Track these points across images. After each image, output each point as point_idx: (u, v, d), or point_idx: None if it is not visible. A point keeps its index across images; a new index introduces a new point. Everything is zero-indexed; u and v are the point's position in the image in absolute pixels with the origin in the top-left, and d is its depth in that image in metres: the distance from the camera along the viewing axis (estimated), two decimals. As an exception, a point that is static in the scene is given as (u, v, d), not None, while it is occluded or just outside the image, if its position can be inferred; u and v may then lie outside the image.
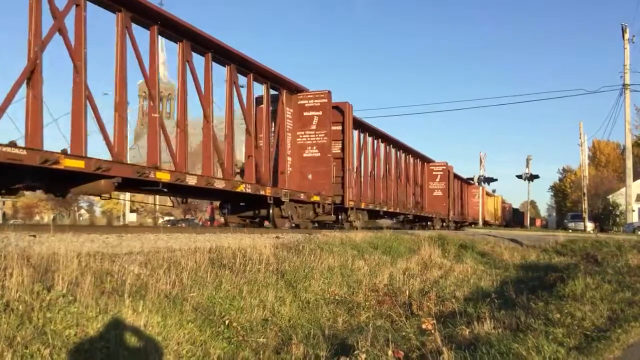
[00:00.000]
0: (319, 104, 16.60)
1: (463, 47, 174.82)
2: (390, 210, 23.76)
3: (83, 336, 4.45)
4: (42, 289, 4.69)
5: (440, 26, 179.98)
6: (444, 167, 33.47)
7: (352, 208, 18.35)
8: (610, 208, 48.39)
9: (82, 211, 73.43)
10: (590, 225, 41.90)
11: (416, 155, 29.72)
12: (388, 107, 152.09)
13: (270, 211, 14.62)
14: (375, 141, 22.70)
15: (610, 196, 51.86)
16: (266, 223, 15.63)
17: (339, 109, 17.69)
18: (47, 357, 4.02)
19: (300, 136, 16.73)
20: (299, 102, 16.66)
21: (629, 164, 34.20)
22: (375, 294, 8.81)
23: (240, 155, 16.80)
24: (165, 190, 11.38)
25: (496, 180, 60.51)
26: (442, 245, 15.25)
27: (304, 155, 16.65)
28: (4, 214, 56.75)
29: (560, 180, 79.39)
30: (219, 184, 12.30)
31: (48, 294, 4.67)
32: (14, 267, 4.71)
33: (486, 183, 58.73)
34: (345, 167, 17.81)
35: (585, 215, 42.96)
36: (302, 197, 15.45)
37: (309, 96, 16.75)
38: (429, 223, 31.50)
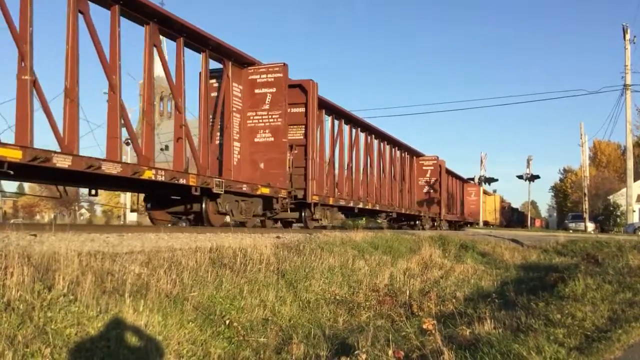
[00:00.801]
0: (272, 78, 14.00)
1: (463, 47, 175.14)
2: (367, 207, 21.01)
3: (84, 335, 4.46)
4: (43, 288, 4.69)
5: (440, 26, 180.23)
6: (435, 162, 31.02)
7: (316, 204, 16.00)
8: (611, 208, 48.30)
9: (83, 210, 73.52)
10: (590, 226, 41.89)
11: (403, 148, 27.32)
12: (388, 108, 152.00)
13: (203, 206, 12.38)
14: (354, 130, 20.28)
15: (611, 197, 51.81)
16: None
17: (301, 87, 15.48)
18: (48, 357, 4.03)
19: (251, 117, 14.16)
20: (250, 77, 14.11)
21: (630, 164, 34.18)
22: (375, 294, 8.82)
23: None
24: (12, 173, 7.98)
25: (497, 180, 60.41)
26: (443, 246, 15.25)
27: (255, 140, 14.13)
28: (4, 213, 56.81)
29: (560, 180, 79.40)
30: (112, 169, 9.42)
31: (49, 293, 4.68)
32: (14, 267, 4.71)
33: (487, 183, 58.72)
34: (308, 155, 15.58)
35: (586, 216, 42.95)
36: (244, 188, 12.83)
37: (260, 70, 14.14)
38: (417, 222, 29.47)
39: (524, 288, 9.76)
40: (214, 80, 13.35)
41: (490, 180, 60.31)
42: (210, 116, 13.12)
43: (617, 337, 5.47)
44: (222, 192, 12.04)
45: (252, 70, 14.16)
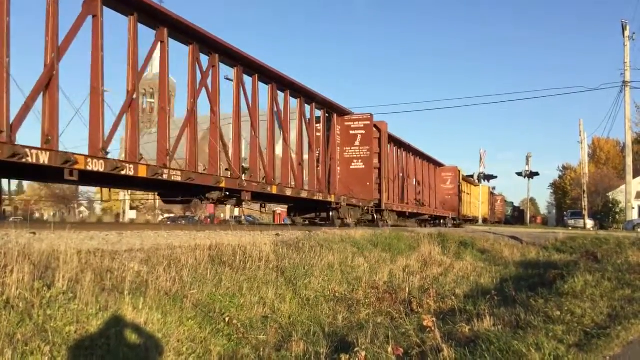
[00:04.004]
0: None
1: (462, 45, 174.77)
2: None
3: (83, 333, 4.46)
4: (43, 286, 4.69)
5: (440, 24, 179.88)
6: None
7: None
8: (610, 205, 48.32)
9: (82, 208, 73.46)
10: (590, 223, 41.86)
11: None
12: (387, 105, 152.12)
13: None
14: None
15: (610, 193, 51.80)
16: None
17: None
18: (48, 354, 4.03)
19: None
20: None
21: (629, 161, 34.14)
22: (375, 291, 8.83)
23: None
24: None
25: (496, 177, 60.45)
26: (442, 243, 15.27)
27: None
28: (3, 211, 56.81)
29: (560, 177, 79.37)
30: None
31: (48, 291, 4.68)
32: (14, 265, 4.71)
33: (486, 180, 58.83)
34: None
35: (585, 213, 42.92)
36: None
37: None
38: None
39: (523, 285, 9.77)
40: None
41: (489, 178, 60.49)
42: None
43: (617, 333, 5.48)
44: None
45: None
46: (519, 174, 60.64)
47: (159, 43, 11.07)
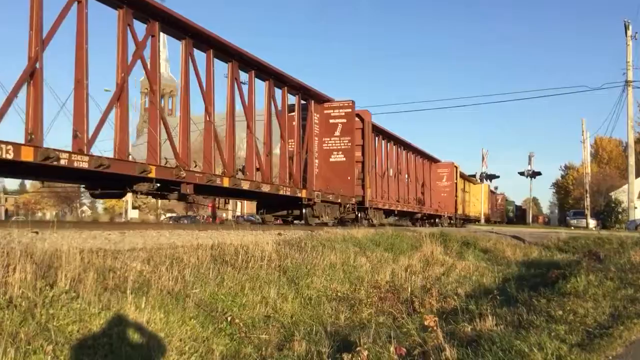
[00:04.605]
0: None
1: (465, 44, 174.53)
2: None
3: (86, 332, 4.47)
4: (45, 286, 4.70)
5: (442, 23, 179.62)
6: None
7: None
8: (613, 205, 48.18)
9: (85, 208, 73.61)
10: (592, 222, 41.79)
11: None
12: (389, 104, 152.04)
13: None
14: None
15: (612, 193, 51.67)
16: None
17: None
18: (50, 353, 4.03)
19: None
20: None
21: (632, 160, 34.08)
22: (377, 290, 8.83)
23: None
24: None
25: (498, 177, 60.33)
26: (444, 242, 15.25)
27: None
28: (6, 211, 56.91)
29: (562, 177, 79.15)
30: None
31: (51, 290, 4.68)
32: (17, 264, 4.71)
33: (488, 180, 58.75)
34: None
35: (588, 212, 42.87)
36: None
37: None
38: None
39: (525, 285, 9.76)
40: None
41: (491, 177, 60.44)
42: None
43: (619, 333, 5.47)
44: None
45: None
46: (521, 174, 60.53)
47: (150, 37, 10.72)
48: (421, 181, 28.78)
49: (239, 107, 13.57)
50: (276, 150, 15.65)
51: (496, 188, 65.86)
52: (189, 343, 5.14)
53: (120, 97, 9.92)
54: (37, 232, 6.28)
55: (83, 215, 67.53)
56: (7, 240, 5.60)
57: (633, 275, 8.91)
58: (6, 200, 57.15)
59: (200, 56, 12.19)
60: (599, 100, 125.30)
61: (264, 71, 14.41)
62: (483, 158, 61.25)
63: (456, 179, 34.61)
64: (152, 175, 10.17)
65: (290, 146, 16.04)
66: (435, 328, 5.06)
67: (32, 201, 68.27)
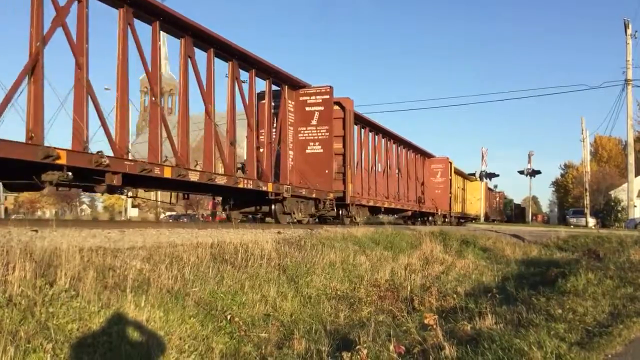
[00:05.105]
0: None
1: (464, 43, 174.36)
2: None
3: (85, 331, 4.47)
4: (45, 284, 4.70)
5: (441, 22, 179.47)
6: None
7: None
8: (612, 204, 48.22)
9: (84, 206, 73.60)
10: (592, 221, 41.79)
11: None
12: (389, 103, 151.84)
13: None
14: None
15: (612, 192, 51.69)
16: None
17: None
18: (50, 352, 4.03)
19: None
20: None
21: (631, 159, 34.09)
22: (376, 289, 8.83)
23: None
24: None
25: (498, 175, 60.41)
26: (444, 241, 15.26)
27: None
28: (5, 209, 56.89)
29: (562, 175, 79.15)
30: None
31: (50, 288, 4.68)
32: (16, 262, 4.71)
33: (488, 178, 58.76)
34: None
35: (587, 211, 42.88)
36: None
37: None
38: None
39: (525, 283, 9.76)
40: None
41: (491, 176, 60.46)
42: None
43: (618, 332, 5.48)
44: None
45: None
46: (521, 172, 60.62)
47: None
48: (413, 177, 27.63)
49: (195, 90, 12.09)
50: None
51: (496, 186, 65.91)
52: (188, 341, 5.14)
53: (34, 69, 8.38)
54: (36, 231, 6.27)
55: (83, 213, 67.55)
56: (6, 238, 5.60)
57: (632, 274, 8.92)
58: (6, 198, 57.09)
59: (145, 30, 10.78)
60: (598, 98, 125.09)
61: (226, 51, 12.83)
62: (482, 157, 61.25)
63: (451, 175, 33.19)
64: (63, 162, 8.28)
65: (261, 136, 14.75)
66: (434, 326, 5.07)
67: (32, 200, 68.30)
